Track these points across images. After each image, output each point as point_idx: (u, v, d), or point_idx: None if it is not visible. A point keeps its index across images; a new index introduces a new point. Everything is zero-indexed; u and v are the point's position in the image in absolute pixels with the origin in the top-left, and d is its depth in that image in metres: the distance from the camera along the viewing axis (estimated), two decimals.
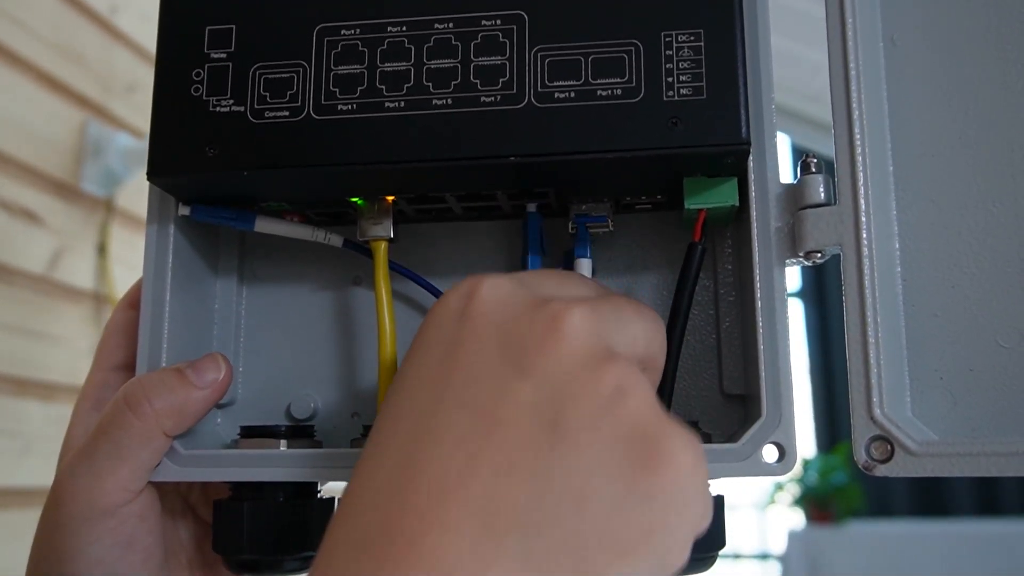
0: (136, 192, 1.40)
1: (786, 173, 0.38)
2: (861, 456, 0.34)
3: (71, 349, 1.28)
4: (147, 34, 1.42)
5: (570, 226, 0.41)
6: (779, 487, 3.23)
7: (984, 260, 0.36)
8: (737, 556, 3.52)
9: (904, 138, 0.37)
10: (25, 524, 1.24)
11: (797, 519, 3.28)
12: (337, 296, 0.45)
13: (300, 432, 0.41)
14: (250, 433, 0.40)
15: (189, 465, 0.38)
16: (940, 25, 0.38)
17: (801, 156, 0.37)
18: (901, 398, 0.35)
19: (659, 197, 0.41)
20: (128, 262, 1.39)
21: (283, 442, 0.39)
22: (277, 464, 0.38)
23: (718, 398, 0.41)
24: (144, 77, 1.43)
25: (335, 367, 0.44)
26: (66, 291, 1.28)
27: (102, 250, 1.34)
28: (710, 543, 0.37)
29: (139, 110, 1.41)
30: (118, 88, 1.37)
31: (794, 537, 3.12)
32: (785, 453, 0.35)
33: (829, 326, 3.76)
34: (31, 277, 1.21)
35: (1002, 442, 0.32)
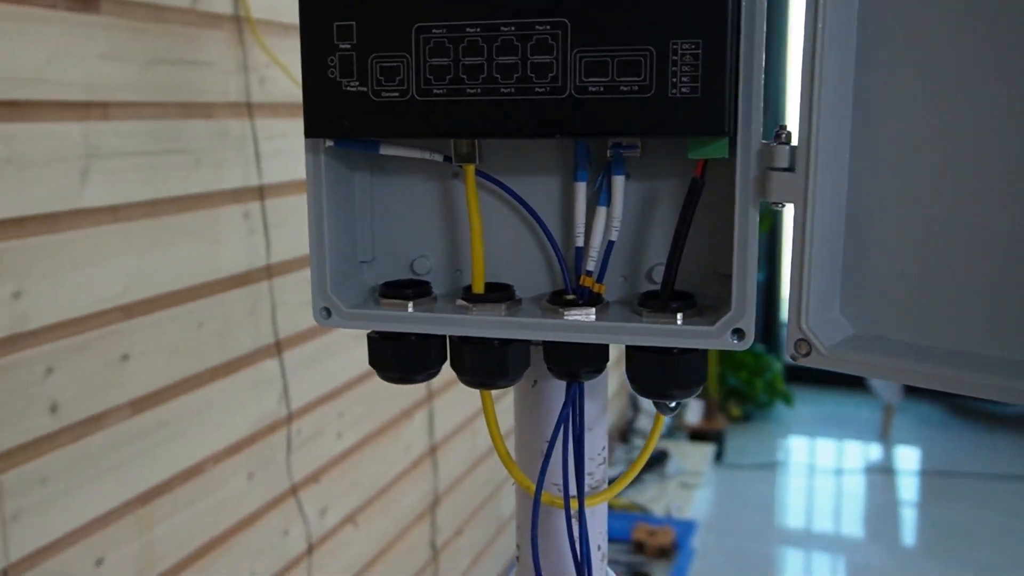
0: None
1: None
2: (790, 349, 0.50)
3: (221, 70, 1.46)
4: None
5: (608, 152, 0.54)
6: None
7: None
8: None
9: (866, 117, 0.48)
10: (195, 224, 1.50)
11: None
12: (442, 185, 0.60)
13: (420, 288, 0.59)
14: (387, 294, 0.58)
15: (352, 319, 0.58)
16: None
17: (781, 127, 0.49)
18: (831, 305, 0.50)
19: None
20: None
21: (410, 304, 0.58)
22: (407, 321, 0.57)
23: (713, 275, 0.57)
24: None
25: (443, 236, 0.61)
26: (211, 19, 1.44)
27: None
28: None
29: None
30: None
31: None
32: (744, 335, 0.52)
33: None
34: (178, 10, 1.36)
35: (879, 355, 0.47)
